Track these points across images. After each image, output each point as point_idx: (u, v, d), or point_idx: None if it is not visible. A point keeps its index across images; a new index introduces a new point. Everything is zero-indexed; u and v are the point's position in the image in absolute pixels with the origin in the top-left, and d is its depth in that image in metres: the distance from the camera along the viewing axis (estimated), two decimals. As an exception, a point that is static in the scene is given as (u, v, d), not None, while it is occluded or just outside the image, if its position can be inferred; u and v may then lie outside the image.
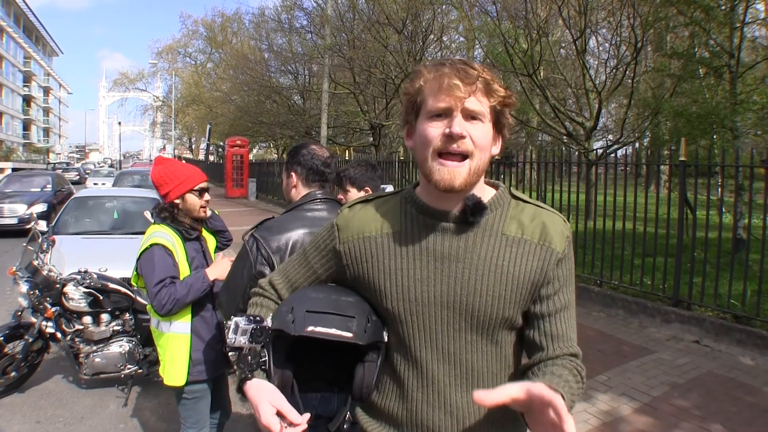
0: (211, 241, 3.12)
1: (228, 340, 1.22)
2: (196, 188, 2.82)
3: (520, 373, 1.31)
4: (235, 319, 1.22)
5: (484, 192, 1.27)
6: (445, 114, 1.17)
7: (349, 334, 1.24)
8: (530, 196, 1.38)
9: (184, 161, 3.05)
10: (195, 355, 2.72)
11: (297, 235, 1.92)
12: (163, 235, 2.75)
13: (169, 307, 2.61)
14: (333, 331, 1.24)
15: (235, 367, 1.24)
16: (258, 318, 1.25)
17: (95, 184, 25.28)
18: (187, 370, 2.71)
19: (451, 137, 1.15)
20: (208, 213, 2.99)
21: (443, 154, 1.17)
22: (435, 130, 1.17)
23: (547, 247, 1.23)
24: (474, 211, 1.21)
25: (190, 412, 2.81)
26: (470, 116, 1.17)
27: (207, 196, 2.89)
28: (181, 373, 2.71)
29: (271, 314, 1.32)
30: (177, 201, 2.80)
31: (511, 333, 1.28)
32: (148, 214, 3.16)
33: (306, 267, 1.40)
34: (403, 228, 1.27)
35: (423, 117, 1.21)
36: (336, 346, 1.29)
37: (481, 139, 1.18)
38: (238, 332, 1.22)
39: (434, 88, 1.17)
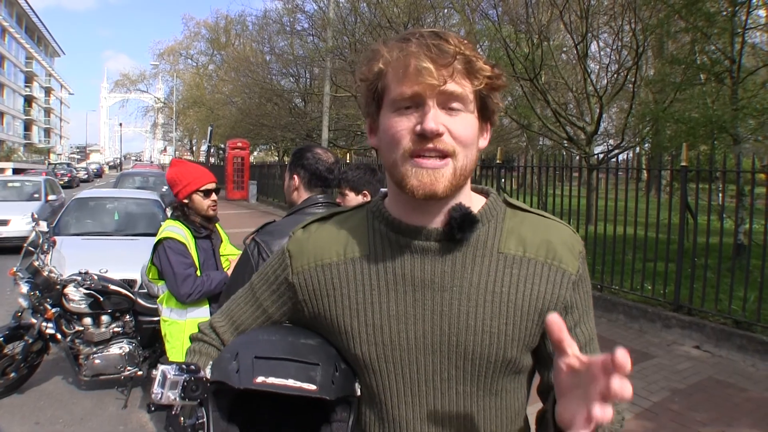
0: (224, 240, 3.26)
1: (153, 395, 0.95)
2: (201, 189, 3.00)
3: (537, 421, 1.04)
4: (162, 367, 0.96)
5: (472, 200, 1.01)
6: (415, 103, 0.90)
7: (312, 386, 0.94)
8: (531, 201, 1.08)
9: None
10: None
11: None
12: (176, 229, 2.95)
13: (195, 298, 2.84)
14: (290, 382, 0.94)
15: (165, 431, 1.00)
16: (192, 367, 0.97)
17: None
18: None
19: (424, 136, 0.88)
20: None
21: (417, 154, 0.91)
22: (403, 125, 0.91)
23: (557, 267, 0.98)
24: (462, 225, 0.94)
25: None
26: (448, 104, 0.90)
27: (214, 197, 3.07)
28: None
29: (211, 363, 1.03)
30: (186, 201, 3.00)
31: (516, 379, 1.00)
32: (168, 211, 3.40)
33: (254, 305, 1.11)
34: (371, 251, 1.00)
35: (387, 108, 0.94)
36: (295, 402, 1.01)
37: (463, 133, 0.91)
38: (165, 385, 0.94)
39: (398, 72, 0.90)
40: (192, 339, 1.18)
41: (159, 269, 2.95)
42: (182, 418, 0.99)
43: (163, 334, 3.04)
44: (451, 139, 0.90)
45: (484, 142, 0.99)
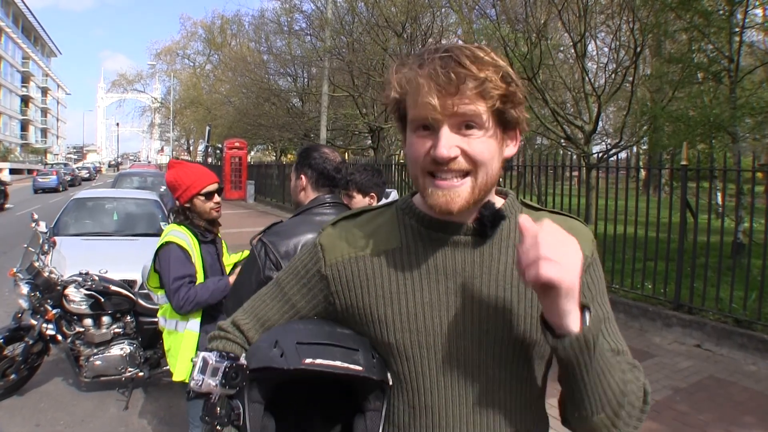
0: (224, 248, 3.12)
1: (192, 383, 0.94)
2: (202, 192, 2.85)
3: (560, 404, 1.09)
4: (202, 354, 0.95)
5: (494, 200, 1.07)
6: (431, 126, 0.94)
7: (358, 367, 0.96)
8: (530, 200, 1.18)
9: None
10: None
11: (305, 239, 1.90)
12: (179, 234, 2.81)
13: (188, 308, 2.68)
14: (338, 363, 0.95)
15: (201, 421, 0.97)
16: (232, 354, 0.98)
17: None
18: None
19: (436, 161, 0.93)
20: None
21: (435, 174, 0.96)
22: (420, 149, 0.95)
23: None
24: (493, 222, 1.01)
25: (198, 410, 2.80)
26: (462, 124, 0.93)
27: (217, 198, 2.93)
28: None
29: (243, 355, 1.03)
30: (187, 204, 2.86)
31: (539, 363, 1.06)
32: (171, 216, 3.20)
33: (282, 301, 1.12)
34: (403, 244, 1.05)
35: (409, 128, 0.99)
36: (327, 393, 1.03)
37: (480, 152, 0.94)
38: (206, 371, 0.93)
39: (412, 99, 0.95)
40: (211, 338, 1.17)
41: (161, 276, 2.80)
42: (218, 408, 0.97)
43: (166, 348, 2.89)
44: (466, 159, 0.94)
45: (511, 150, 1.02)
